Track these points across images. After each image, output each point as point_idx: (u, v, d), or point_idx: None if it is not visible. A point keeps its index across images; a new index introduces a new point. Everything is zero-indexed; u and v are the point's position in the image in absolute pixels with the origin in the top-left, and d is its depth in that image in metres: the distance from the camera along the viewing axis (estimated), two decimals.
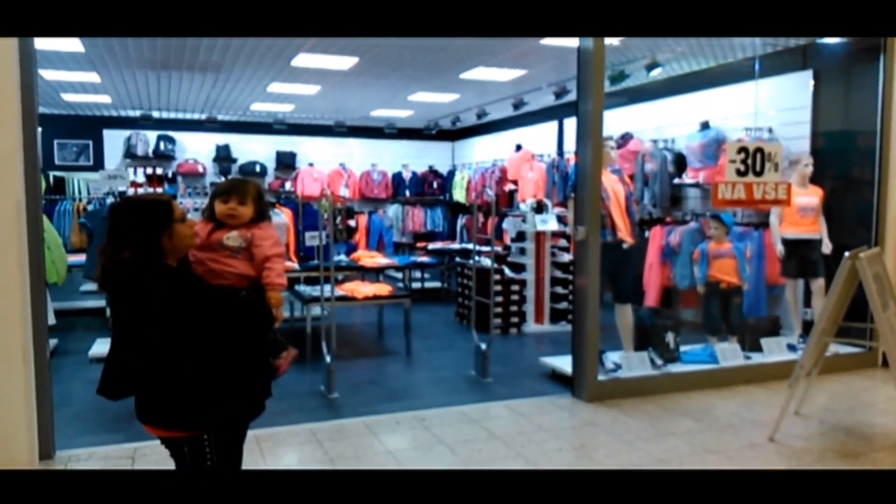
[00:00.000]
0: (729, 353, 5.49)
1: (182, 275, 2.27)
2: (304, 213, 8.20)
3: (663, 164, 7.65)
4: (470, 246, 9.77)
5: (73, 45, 6.69)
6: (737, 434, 4.29)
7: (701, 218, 7.10)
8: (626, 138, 8.14)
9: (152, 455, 3.79)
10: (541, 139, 10.61)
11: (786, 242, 5.92)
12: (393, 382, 5.60)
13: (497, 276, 7.11)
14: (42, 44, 5.80)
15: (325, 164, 12.73)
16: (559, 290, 7.53)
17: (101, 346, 6.17)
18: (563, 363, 5.35)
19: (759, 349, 5.70)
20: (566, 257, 7.47)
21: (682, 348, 5.57)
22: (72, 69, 7.91)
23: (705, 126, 7.32)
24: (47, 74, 8.05)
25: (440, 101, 10.28)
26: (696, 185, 7.54)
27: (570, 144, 9.90)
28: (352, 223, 10.74)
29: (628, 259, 5.29)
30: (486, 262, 6.79)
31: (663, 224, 7.38)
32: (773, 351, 5.70)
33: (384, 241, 12.64)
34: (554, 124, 10.46)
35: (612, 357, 5.24)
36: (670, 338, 5.45)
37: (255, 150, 12.70)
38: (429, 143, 13.47)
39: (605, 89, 4.81)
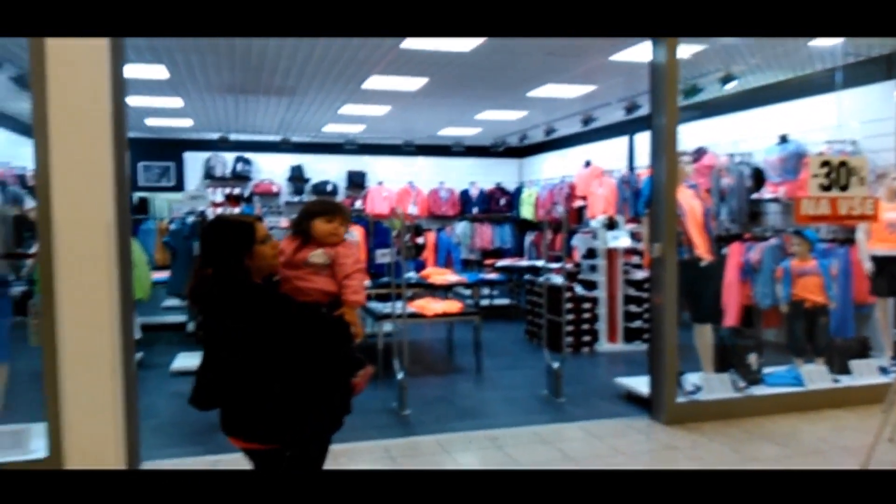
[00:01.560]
0: (815, 376, 5.24)
1: (266, 292, 2.33)
2: (375, 231, 8.32)
3: (740, 179, 7.42)
4: (538, 263, 9.70)
5: (158, 72, 7.02)
6: (826, 461, 4.08)
7: (782, 234, 6.83)
8: (700, 153, 7.94)
9: (232, 468, 3.88)
10: (610, 155, 10.48)
11: (874, 259, 5.64)
12: (464, 400, 5.58)
13: (568, 294, 7.01)
14: (129, 71, 6.09)
15: (394, 182, 12.90)
16: (633, 308, 7.36)
17: (183, 360, 6.38)
18: (639, 384, 5.21)
19: (846, 371, 5.41)
20: (640, 275, 7.31)
21: (765, 370, 5.34)
22: (156, 94, 8.29)
23: (784, 139, 7.07)
24: (133, 100, 8.47)
25: (508, 119, 10.29)
26: (776, 200, 7.28)
27: (641, 160, 9.73)
28: (420, 240, 10.84)
29: (706, 277, 5.13)
30: (557, 279, 6.71)
31: (742, 240, 7.13)
32: (863, 373, 5.40)
33: (452, 258, 12.67)
34: (624, 139, 10.31)
35: (691, 378, 5.07)
36: (752, 359, 5.23)
37: (326, 169, 13.00)
38: (496, 161, 13.48)
39: (678, 103, 4.71)
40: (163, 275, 7.43)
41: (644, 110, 8.16)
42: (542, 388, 5.66)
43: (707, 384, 5.02)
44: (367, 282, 7.20)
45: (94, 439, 3.76)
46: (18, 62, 6.08)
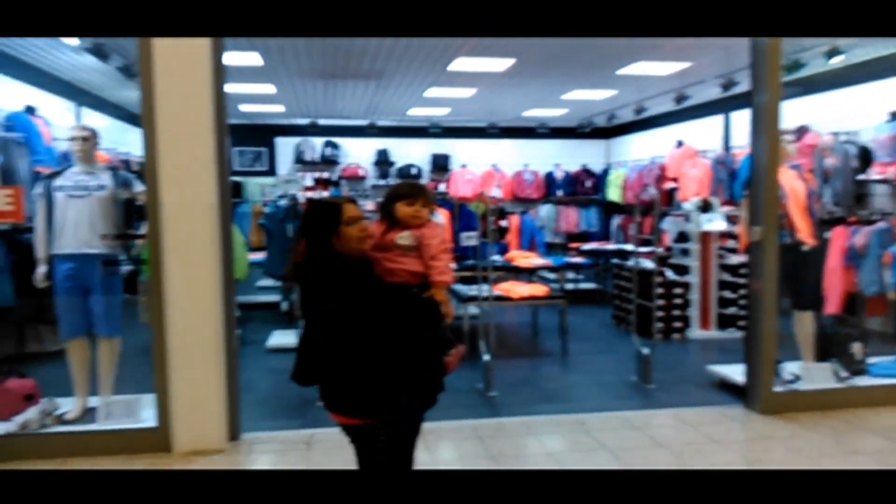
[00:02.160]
0: None
1: (356, 272, 2.38)
2: (460, 214, 8.35)
3: (846, 159, 6.99)
4: (626, 247, 9.50)
5: (253, 59, 7.26)
6: None
7: (891, 217, 6.41)
8: (802, 131, 7.53)
9: (327, 441, 4.02)
10: (704, 134, 10.09)
11: None
12: (550, 384, 5.55)
13: (659, 279, 6.84)
14: (226, 59, 6.33)
15: (478, 165, 12.89)
16: (727, 294, 7.10)
17: (278, 338, 6.65)
18: (734, 372, 5.05)
19: None
20: (735, 259, 7.03)
21: (870, 360, 5.06)
22: (250, 81, 8.58)
23: (895, 116, 6.61)
24: (228, 87, 8.76)
25: (595, 99, 10.07)
26: (885, 182, 6.83)
27: (737, 139, 9.33)
28: (503, 224, 10.80)
29: (808, 262, 4.89)
30: (647, 263, 6.56)
31: (846, 224, 6.74)
32: None
33: (535, 241, 12.55)
34: (719, 118, 9.89)
35: (789, 367, 4.86)
36: (856, 348, 4.97)
37: (411, 153, 13.13)
38: (582, 142, 13.23)
39: (780, 79, 4.48)
40: (258, 256, 7.73)
41: (742, 87, 7.79)
42: (631, 373, 5.57)
43: (806, 373, 4.80)
44: (453, 264, 7.25)
45: (199, 410, 3.97)
46: (124, 53, 6.42)
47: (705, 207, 7.16)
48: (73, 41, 6.15)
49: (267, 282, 8.46)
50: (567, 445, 4.12)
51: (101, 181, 4.17)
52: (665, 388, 5.28)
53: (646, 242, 8.15)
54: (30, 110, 6.26)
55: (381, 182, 12.86)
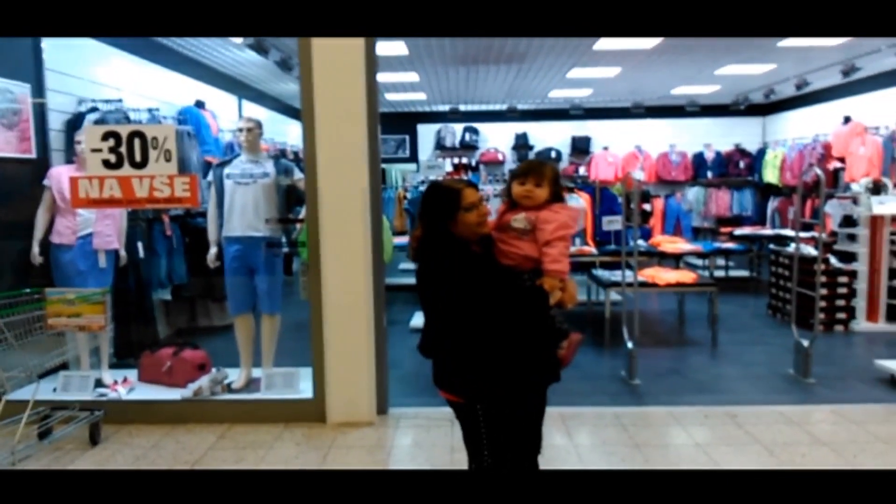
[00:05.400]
0: None
1: (470, 254, 2.36)
2: (601, 198, 8.18)
3: None
4: (785, 232, 8.90)
5: (398, 48, 7.48)
6: None
7: None
8: None
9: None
10: (875, 109, 9.19)
11: None
12: (698, 374, 5.34)
13: (822, 266, 6.35)
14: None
15: (620, 146, 12.53)
16: None
17: (420, 318, 6.85)
18: None
19: None
20: None
21: None
22: (395, 70, 8.85)
23: None
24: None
25: (752, 73, 9.45)
26: None
27: None
28: (647, 207, 10.44)
29: None
30: (809, 249, 6.11)
31: None
32: None
33: (681, 225, 12.07)
34: (893, 91, 8.97)
35: None
36: None
37: (550, 136, 13.00)
38: (735, 120, 12.48)
39: None
40: (402, 240, 7.99)
41: None
42: (788, 366, 5.23)
43: None
44: (592, 249, 7.13)
45: (351, 384, 4.21)
46: (283, 48, 6.84)
47: (876, 189, 6.54)
48: (238, 39, 6.62)
49: (410, 265, 8.73)
50: (716, 438, 3.95)
51: (265, 169, 4.49)
52: (826, 383, 4.92)
53: (807, 227, 7.60)
54: (199, 104, 6.84)
55: None
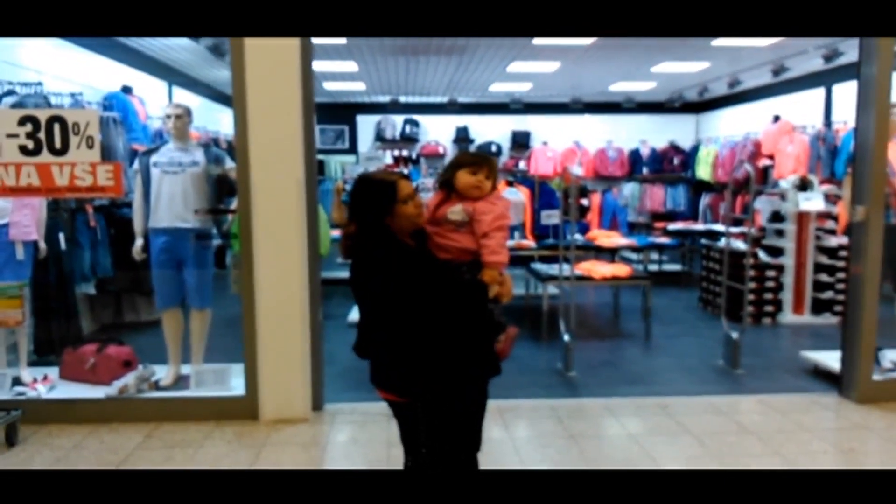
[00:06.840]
0: None
1: (405, 248, 2.29)
2: (540, 192, 8.24)
3: None
4: (716, 227, 9.15)
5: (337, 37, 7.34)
6: None
7: None
8: None
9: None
10: (803, 109, 9.54)
11: None
12: (632, 366, 5.43)
13: (751, 260, 6.55)
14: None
15: (560, 142, 12.66)
16: (824, 277, 6.73)
17: (357, 313, 6.76)
18: (828, 359, 4.80)
19: None
20: (833, 241, 6.65)
21: None
22: (333, 59, 8.68)
23: None
24: (313, 65, 8.93)
25: (687, 72, 9.68)
26: None
27: (839, 114, 8.78)
28: (584, 202, 10.58)
29: None
30: (739, 244, 6.29)
31: None
32: None
33: (618, 220, 12.28)
34: (820, 91, 9.33)
35: (889, 355, 4.58)
36: None
37: (491, 130, 13.04)
38: (670, 117, 12.78)
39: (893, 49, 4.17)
40: (340, 233, 7.86)
41: (846, 58, 7.34)
42: (718, 358, 5.38)
43: None
44: (531, 243, 7.18)
45: (285, 380, 4.10)
46: None
47: (803, 186, 6.78)
48: None
49: None
50: (649, 428, 4.02)
51: (194, 158, 4.31)
52: (754, 374, 5.07)
53: (737, 222, 7.82)
54: (126, 90, 6.54)
55: None
